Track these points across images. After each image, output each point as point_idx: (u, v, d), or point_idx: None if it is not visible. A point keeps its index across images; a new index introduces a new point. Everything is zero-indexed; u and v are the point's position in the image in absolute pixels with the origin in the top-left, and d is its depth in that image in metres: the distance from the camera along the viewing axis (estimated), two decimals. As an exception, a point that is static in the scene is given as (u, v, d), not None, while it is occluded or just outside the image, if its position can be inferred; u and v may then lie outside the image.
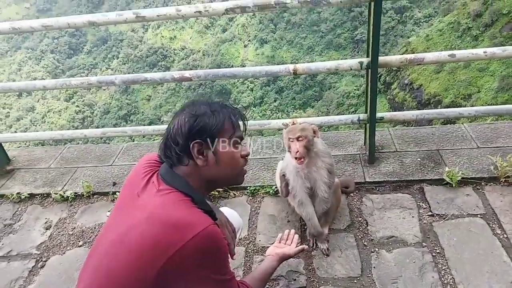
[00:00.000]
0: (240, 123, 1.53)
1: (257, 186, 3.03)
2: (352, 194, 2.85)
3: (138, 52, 77.49)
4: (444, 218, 2.55)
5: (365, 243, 2.46)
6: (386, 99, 42.22)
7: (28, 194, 3.28)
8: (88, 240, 2.78)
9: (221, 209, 1.93)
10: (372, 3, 2.47)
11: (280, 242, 2.15)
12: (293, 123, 2.87)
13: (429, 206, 2.65)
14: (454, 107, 25.26)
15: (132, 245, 1.28)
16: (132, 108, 71.38)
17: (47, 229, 2.95)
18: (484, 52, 2.68)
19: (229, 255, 1.65)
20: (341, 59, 38.67)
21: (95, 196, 3.21)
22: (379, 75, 43.46)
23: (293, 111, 58.50)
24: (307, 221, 2.47)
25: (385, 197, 2.79)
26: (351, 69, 2.82)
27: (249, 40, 74.64)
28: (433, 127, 3.49)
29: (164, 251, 1.24)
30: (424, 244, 2.40)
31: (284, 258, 2.01)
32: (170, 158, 1.45)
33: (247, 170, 3.16)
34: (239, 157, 1.52)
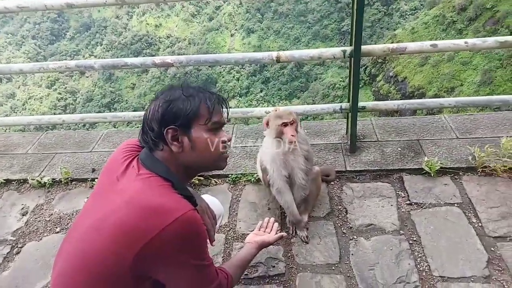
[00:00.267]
0: (221, 108, 1.49)
1: (238, 174, 3.02)
2: (332, 183, 2.87)
3: (122, 39, 76.24)
4: (422, 207, 2.58)
5: (344, 230, 2.49)
6: (371, 91, 42.65)
7: (4, 179, 3.20)
8: (66, 227, 2.74)
9: (203, 196, 1.91)
10: (356, -9, 2.46)
11: (259, 230, 2.15)
12: (276, 111, 2.87)
13: (408, 195, 2.69)
14: (437, 100, 25.64)
15: (110, 229, 1.26)
16: (116, 96, 70.43)
17: (23, 215, 2.89)
18: (465, 43, 2.71)
19: (208, 241, 1.64)
20: (328, 50, 38.75)
21: (73, 183, 3.16)
22: (365, 67, 43.96)
23: (279, 101, 58.63)
24: (286, 209, 2.48)
25: (365, 186, 2.82)
26: (334, 58, 2.82)
27: (236, 29, 74.16)
28: (414, 117, 3.52)
29: (142, 236, 1.23)
30: (401, 232, 2.43)
31: (263, 245, 2.01)
32: (147, 144, 1.43)
33: (229, 157, 3.15)
34: (217, 142, 1.47)
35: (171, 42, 76.22)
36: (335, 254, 2.33)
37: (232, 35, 74.25)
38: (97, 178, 3.01)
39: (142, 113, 1.50)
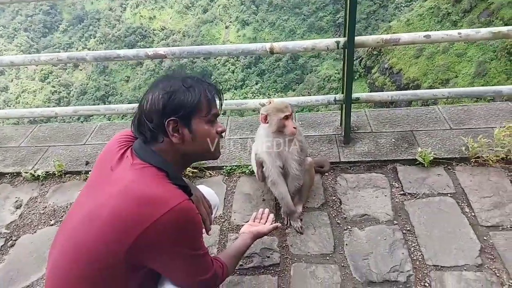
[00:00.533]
0: (217, 99, 1.50)
1: (233, 166, 3.02)
2: (326, 174, 2.88)
3: (116, 32, 75.51)
4: (416, 197, 2.60)
5: (338, 221, 2.50)
6: (367, 83, 42.63)
7: (-3, 173, 3.19)
8: (60, 219, 2.73)
9: (198, 186, 1.91)
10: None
11: (254, 221, 2.16)
12: (270, 103, 2.86)
13: (401, 186, 2.70)
14: (432, 91, 25.69)
15: (103, 219, 1.26)
16: (110, 89, 69.90)
17: (17, 208, 2.87)
18: (459, 34, 2.71)
19: (204, 231, 1.64)
20: (323, 42, 38.60)
21: (67, 175, 3.14)
22: (360, 58, 43.88)
23: (275, 94, 58.48)
24: (280, 200, 2.49)
25: (359, 177, 2.83)
26: (328, 49, 2.81)
27: (231, 22, 73.69)
28: (408, 108, 3.53)
29: (137, 226, 1.23)
30: (395, 222, 2.45)
31: (258, 235, 2.02)
32: (144, 135, 1.41)
33: (224, 149, 3.16)
34: (214, 133, 1.50)
35: (165, 35, 75.60)
36: (329, 244, 2.35)
37: (226, 27, 73.78)
38: (90, 170, 3.00)
39: (136, 105, 1.47)
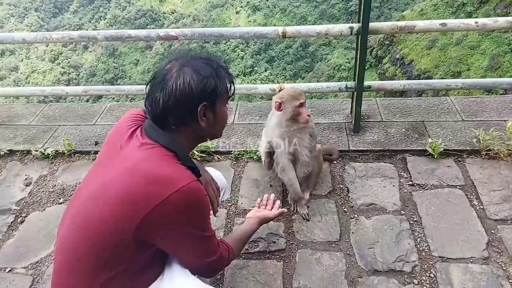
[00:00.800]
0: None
1: (241, 151, 3.02)
2: (335, 162, 2.86)
3: (126, 14, 75.21)
4: (424, 188, 2.58)
5: (345, 209, 2.49)
6: (377, 73, 42.22)
7: (8, 150, 3.22)
8: (69, 198, 2.76)
9: (206, 168, 1.91)
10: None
11: (260, 207, 2.15)
12: (280, 88, 2.84)
13: (410, 176, 2.68)
14: (443, 83, 25.44)
15: (112, 196, 1.26)
16: (119, 71, 70.04)
17: (27, 185, 2.91)
18: (476, 23, 2.65)
19: (211, 212, 1.65)
20: (334, 30, 38.34)
21: (76, 155, 3.16)
22: (371, 48, 43.39)
23: (284, 81, 58.13)
24: (288, 186, 2.48)
25: (368, 166, 2.81)
26: (341, 34, 2.76)
27: (241, 7, 73.01)
28: (419, 98, 3.48)
29: (145, 204, 1.23)
30: (402, 212, 2.43)
31: (264, 220, 2.02)
32: (164, 117, 1.36)
33: (233, 134, 3.16)
34: (227, 114, 1.54)
35: (176, 18, 75.17)
36: (335, 232, 2.35)
37: (237, 12, 73.14)
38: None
39: (144, 87, 1.45)
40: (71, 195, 2.78)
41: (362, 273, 2.11)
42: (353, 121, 3.09)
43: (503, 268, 2.06)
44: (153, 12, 75.96)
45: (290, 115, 2.25)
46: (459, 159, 2.78)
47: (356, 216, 2.44)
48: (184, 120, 1.38)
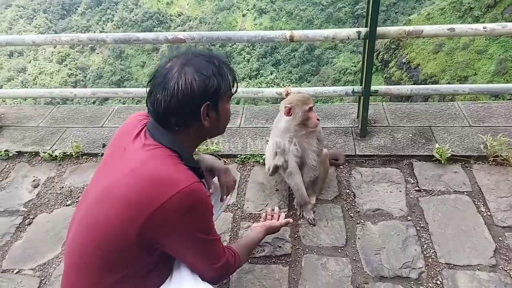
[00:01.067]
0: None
1: (247, 155, 3.02)
2: (341, 167, 2.86)
3: (133, 16, 75.70)
4: (431, 194, 2.57)
5: (352, 214, 2.49)
6: (383, 77, 42.09)
7: (16, 151, 3.25)
8: (76, 200, 2.77)
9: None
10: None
11: (265, 220, 2.16)
12: (287, 92, 2.85)
13: (417, 182, 2.67)
14: (450, 88, 25.33)
15: (116, 198, 1.27)
16: (125, 74, 70.42)
17: (35, 187, 2.93)
18: (484, 28, 2.64)
19: (213, 212, 1.63)
20: (340, 34, 38.35)
21: (84, 157, 3.18)
22: (377, 52, 43.26)
23: (289, 85, 58.14)
24: (295, 191, 2.48)
25: (374, 171, 2.80)
26: (348, 38, 2.77)
27: (248, 10, 73.20)
28: (426, 103, 3.47)
29: (147, 206, 1.23)
30: (409, 218, 2.42)
31: (270, 229, 2.02)
32: (166, 118, 1.35)
33: (239, 138, 3.17)
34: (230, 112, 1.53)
35: (182, 21, 75.57)
36: (341, 237, 2.34)
37: (244, 15, 73.35)
38: (107, 153, 3.04)
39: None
40: (78, 197, 2.80)
41: (368, 279, 2.10)
42: (359, 126, 3.09)
43: (511, 276, 2.04)
44: (160, 15, 76.39)
45: (299, 120, 2.26)
46: (466, 165, 2.77)
47: (362, 221, 2.43)
48: (186, 121, 1.37)
